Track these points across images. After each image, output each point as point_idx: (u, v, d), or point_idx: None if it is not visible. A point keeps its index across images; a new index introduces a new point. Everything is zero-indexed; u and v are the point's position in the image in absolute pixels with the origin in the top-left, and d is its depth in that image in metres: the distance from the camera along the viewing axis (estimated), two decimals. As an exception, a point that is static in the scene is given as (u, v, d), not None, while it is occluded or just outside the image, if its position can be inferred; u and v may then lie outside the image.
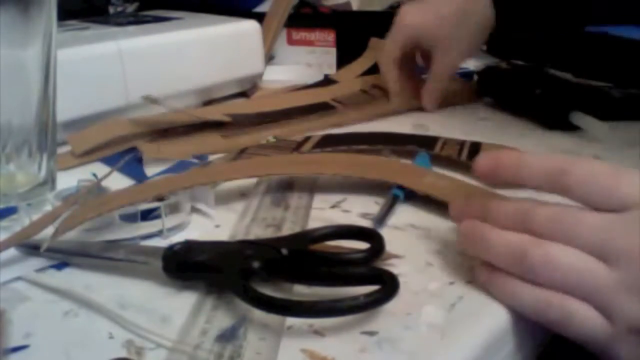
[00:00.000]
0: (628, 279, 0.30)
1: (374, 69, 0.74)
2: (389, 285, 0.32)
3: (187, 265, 0.35)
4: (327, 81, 0.75)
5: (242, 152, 0.54)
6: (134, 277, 0.36)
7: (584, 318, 0.31)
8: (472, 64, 0.86)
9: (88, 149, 0.52)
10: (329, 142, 0.55)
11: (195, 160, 0.54)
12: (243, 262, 0.34)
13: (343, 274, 0.34)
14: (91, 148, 0.52)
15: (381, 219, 0.42)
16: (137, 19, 0.74)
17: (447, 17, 0.62)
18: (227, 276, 0.34)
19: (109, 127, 0.55)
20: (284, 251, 0.36)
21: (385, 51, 0.65)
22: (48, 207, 0.43)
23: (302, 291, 0.34)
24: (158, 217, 0.41)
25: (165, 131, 0.57)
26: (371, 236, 0.37)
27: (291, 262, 0.35)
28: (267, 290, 0.33)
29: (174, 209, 0.42)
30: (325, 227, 0.38)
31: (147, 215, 0.42)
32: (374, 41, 0.78)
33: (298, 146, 0.55)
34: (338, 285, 0.34)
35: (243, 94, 0.72)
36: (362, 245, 0.37)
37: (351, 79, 0.74)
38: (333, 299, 0.31)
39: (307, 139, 0.56)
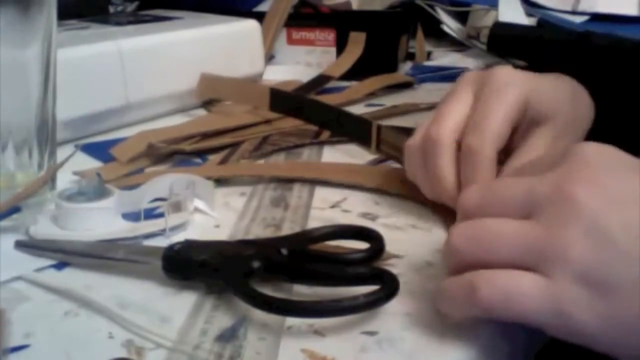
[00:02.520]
0: (556, 221, 0.29)
1: (368, 67, 0.76)
2: (388, 285, 0.32)
3: (188, 265, 0.35)
4: (321, 79, 0.75)
5: (264, 139, 0.57)
6: (134, 277, 0.36)
7: (523, 287, 0.28)
8: (472, 64, 0.86)
9: (132, 156, 0.52)
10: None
11: (198, 160, 0.54)
12: (243, 262, 0.34)
13: (343, 274, 0.34)
14: (134, 155, 0.52)
15: None
16: (137, 19, 0.74)
17: (564, 91, 0.45)
18: (227, 276, 0.34)
19: (147, 135, 0.55)
20: (284, 251, 0.36)
21: (488, 131, 0.39)
22: (49, 207, 0.43)
23: (302, 291, 0.34)
24: (161, 216, 0.41)
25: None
26: (371, 236, 0.37)
27: (291, 262, 0.36)
28: (267, 290, 0.33)
29: (176, 207, 0.42)
30: (325, 227, 0.38)
31: (149, 213, 0.42)
32: (354, 35, 0.79)
33: (316, 135, 0.59)
34: (338, 285, 0.34)
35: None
36: (362, 245, 0.37)
37: (354, 91, 0.74)
38: (333, 299, 0.31)
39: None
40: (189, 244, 0.36)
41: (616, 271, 0.28)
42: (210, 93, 0.67)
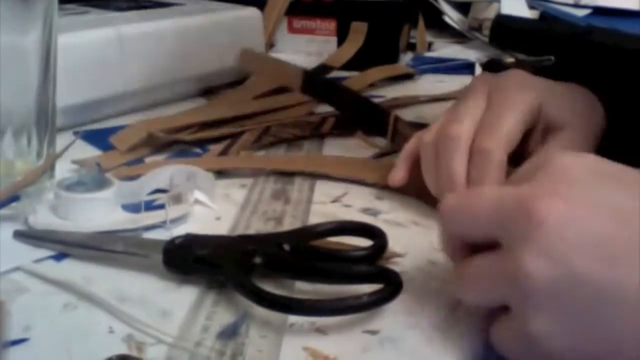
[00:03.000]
0: (516, 243, 0.28)
1: (369, 57, 0.76)
2: (392, 284, 0.32)
3: (188, 260, 0.35)
4: (322, 69, 0.74)
5: (265, 131, 0.56)
6: (134, 270, 0.36)
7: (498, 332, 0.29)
8: (473, 56, 0.86)
9: (131, 145, 0.51)
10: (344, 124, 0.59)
11: (198, 150, 0.53)
12: (244, 257, 0.34)
13: (346, 272, 0.34)
14: (134, 144, 0.52)
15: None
16: (137, 4, 0.73)
17: (579, 100, 0.44)
18: (228, 271, 0.34)
19: (147, 124, 0.55)
20: (286, 247, 0.35)
21: (500, 133, 0.39)
22: (48, 196, 0.43)
23: (304, 288, 0.34)
24: (161, 207, 0.41)
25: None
26: (374, 233, 0.37)
27: (293, 258, 0.35)
28: (269, 287, 0.32)
29: (177, 200, 0.41)
30: (327, 223, 0.38)
31: (149, 205, 0.42)
32: (355, 25, 0.79)
33: (317, 127, 0.58)
34: (340, 282, 0.34)
35: (242, 82, 0.72)
36: (365, 242, 0.37)
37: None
38: (336, 297, 0.31)
39: (325, 120, 0.60)
40: (190, 238, 0.36)
41: (571, 292, 0.26)
42: (251, 66, 0.66)
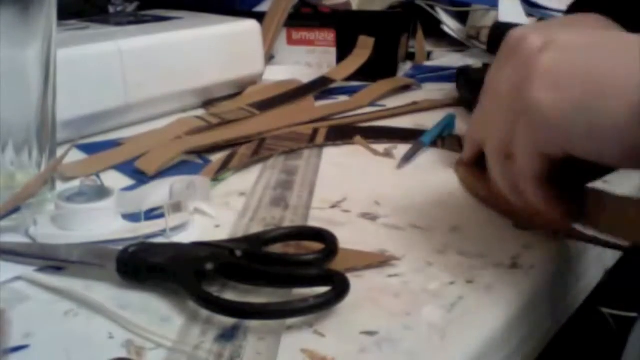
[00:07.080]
0: None
1: (368, 67, 0.76)
2: (338, 286, 0.32)
3: (141, 268, 0.35)
4: (323, 81, 0.75)
5: (261, 144, 0.56)
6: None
7: None
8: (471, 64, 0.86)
9: (159, 168, 0.51)
10: (339, 135, 0.59)
11: (199, 161, 0.54)
12: (196, 264, 0.34)
13: (295, 276, 0.34)
14: (161, 167, 0.52)
15: (407, 158, 0.52)
16: (137, 19, 0.74)
17: None
18: (181, 278, 0.34)
19: (171, 145, 0.55)
20: (238, 253, 0.36)
21: None
22: (49, 207, 0.43)
23: (255, 293, 0.34)
24: (161, 216, 0.41)
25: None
26: (325, 237, 0.37)
27: (244, 263, 0.36)
28: (220, 292, 0.33)
29: (177, 208, 0.42)
30: (279, 229, 0.39)
31: (149, 214, 0.42)
32: (362, 39, 0.79)
33: (311, 139, 0.58)
34: (290, 286, 0.34)
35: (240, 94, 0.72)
36: (318, 246, 0.37)
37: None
38: (282, 300, 0.32)
39: (317, 131, 0.60)
40: (145, 247, 0.36)
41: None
42: (155, 165, 0.52)
